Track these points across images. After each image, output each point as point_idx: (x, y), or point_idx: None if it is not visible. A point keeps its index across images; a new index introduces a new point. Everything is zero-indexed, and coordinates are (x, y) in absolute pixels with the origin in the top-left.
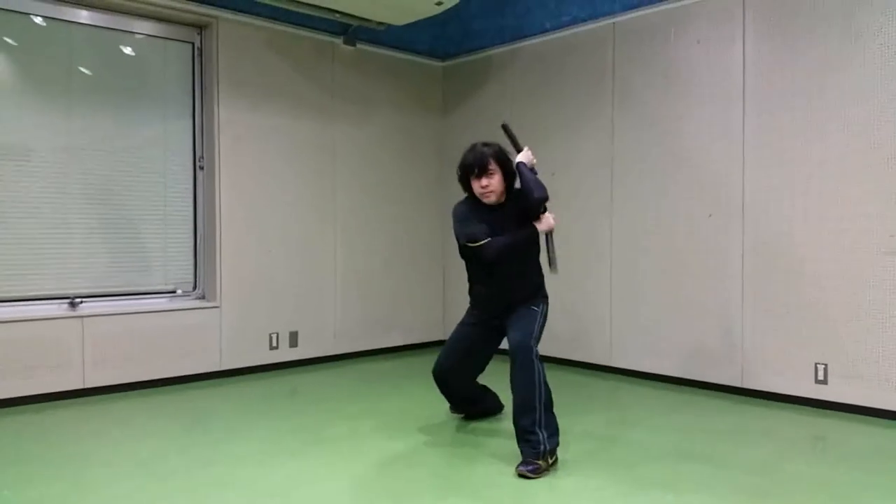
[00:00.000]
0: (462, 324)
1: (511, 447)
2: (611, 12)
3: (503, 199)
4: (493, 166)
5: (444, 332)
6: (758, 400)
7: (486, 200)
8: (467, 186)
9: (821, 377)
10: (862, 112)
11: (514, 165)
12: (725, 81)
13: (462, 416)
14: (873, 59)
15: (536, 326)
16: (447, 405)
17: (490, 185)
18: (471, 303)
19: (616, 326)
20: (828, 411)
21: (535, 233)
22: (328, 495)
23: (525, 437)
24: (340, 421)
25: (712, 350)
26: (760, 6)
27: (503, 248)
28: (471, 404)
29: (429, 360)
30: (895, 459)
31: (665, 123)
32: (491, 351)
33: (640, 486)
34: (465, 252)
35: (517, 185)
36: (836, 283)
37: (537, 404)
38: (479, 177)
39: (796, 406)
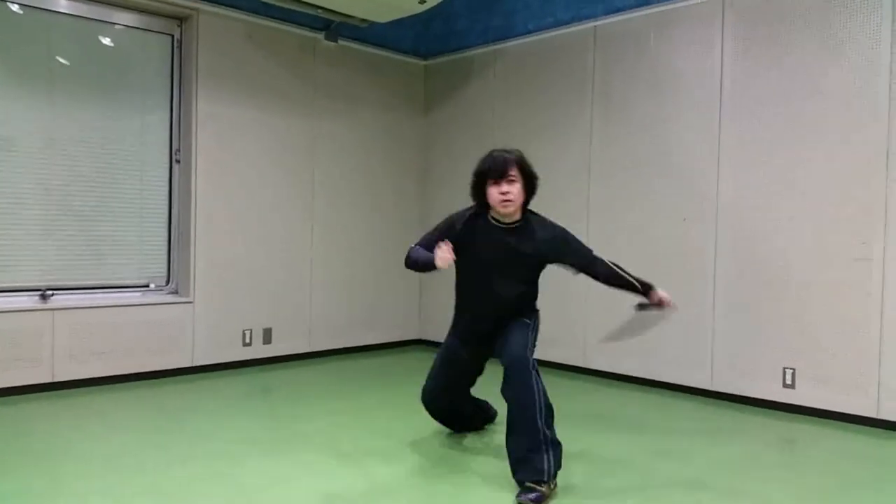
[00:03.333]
0: (448, 345)
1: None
2: (592, 15)
3: (518, 219)
4: (514, 172)
5: (420, 331)
6: (727, 403)
7: (503, 210)
8: (482, 195)
9: (788, 381)
10: (837, 119)
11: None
12: (704, 85)
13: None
14: (850, 66)
15: (530, 338)
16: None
17: (511, 194)
18: (455, 321)
19: (590, 328)
20: (796, 415)
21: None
22: (301, 493)
23: (525, 457)
24: (314, 419)
25: (683, 353)
26: (740, 11)
27: (413, 262)
28: (469, 420)
29: (404, 359)
30: (861, 462)
31: (643, 126)
32: (482, 365)
33: (614, 487)
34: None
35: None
36: (806, 289)
37: (538, 422)
38: (498, 181)
39: (764, 409)
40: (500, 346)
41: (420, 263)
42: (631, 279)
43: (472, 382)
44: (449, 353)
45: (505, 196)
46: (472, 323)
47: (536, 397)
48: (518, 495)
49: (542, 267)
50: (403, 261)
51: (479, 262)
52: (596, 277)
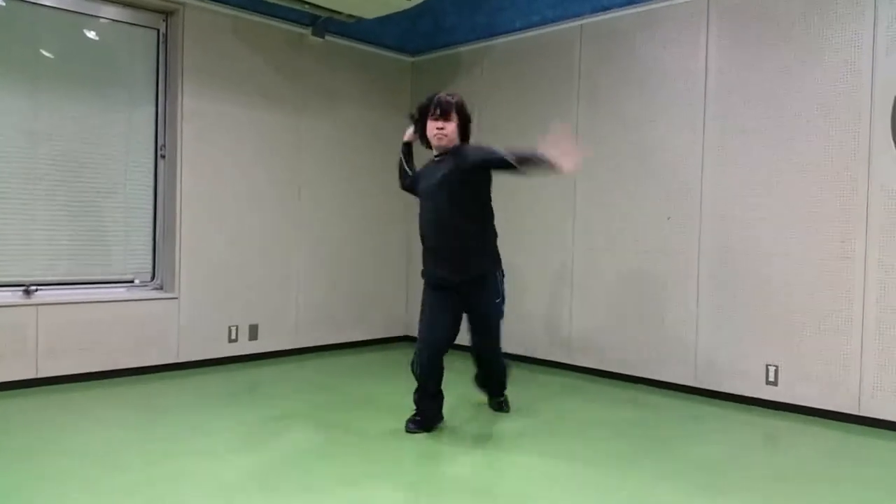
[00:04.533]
0: (426, 295)
1: (479, 436)
2: (580, 13)
3: (446, 153)
4: (451, 113)
5: (406, 327)
6: (711, 399)
7: (437, 143)
8: (423, 128)
9: (772, 378)
10: (820, 120)
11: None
12: (688, 84)
13: (426, 431)
14: (832, 68)
15: (500, 325)
16: (407, 401)
17: (445, 129)
18: (423, 267)
19: (576, 325)
20: (779, 412)
21: (464, 177)
22: (285, 490)
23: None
24: (299, 415)
25: (667, 349)
26: (725, 11)
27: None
28: (436, 399)
29: (390, 356)
30: (842, 459)
31: (628, 125)
32: (457, 322)
33: (595, 483)
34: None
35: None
36: (788, 287)
37: (505, 381)
38: (436, 118)
39: (748, 406)
40: (476, 332)
41: (399, 164)
42: (532, 156)
43: (453, 338)
44: (430, 299)
45: (441, 130)
46: (434, 265)
47: (503, 367)
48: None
49: (467, 183)
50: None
51: (424, 195)
52: (503, 166)
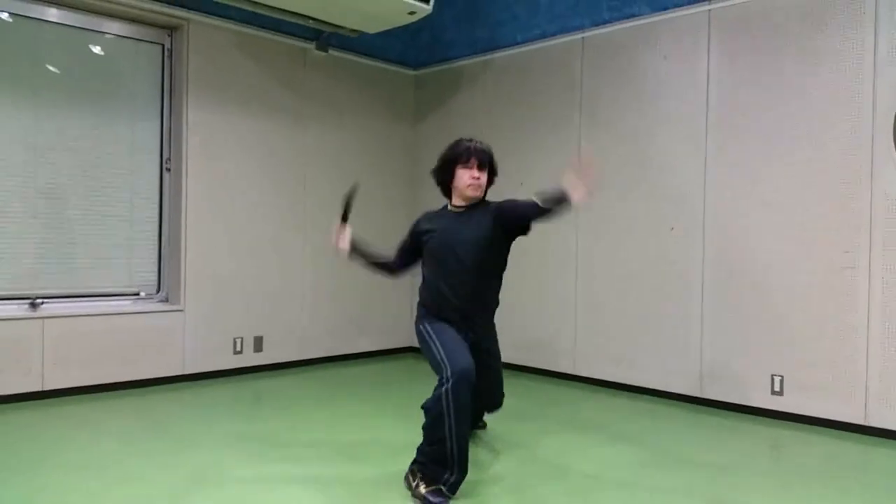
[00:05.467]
0: (439, 325)
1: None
2: (580, 27)
3: (470, 206)
4: (485, 161)
5: (411, 339)
6: (715, 409)
7: (471, 193)
8: (448, 178)
9: (777, 389)
10: (820, 131)
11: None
12: (690, 97)
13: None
14: (833, 78)
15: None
16: (415, 409)
17: (481, 179)
18: (422, 303)
19: (580, 336)
20: (784, 422)
21: (497, 238)
22: (290, 502)
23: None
24: (304, 427)
25: (672, 360)
26: (725, 25)
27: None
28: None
29: (396, 367)
30: (848, 470)
31: (630, 136)
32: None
33: (603, 492)
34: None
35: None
36: (793, 297)
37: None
38: (470, 166)
39: (753, 416)
40: (484, 389)
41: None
42: (561, 196)
43: None
44: (449, 331)
45: (477, 180)
46: (442, 312)
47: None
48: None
49: (494, 241)
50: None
51: (440, 246)
52: (540, 214)
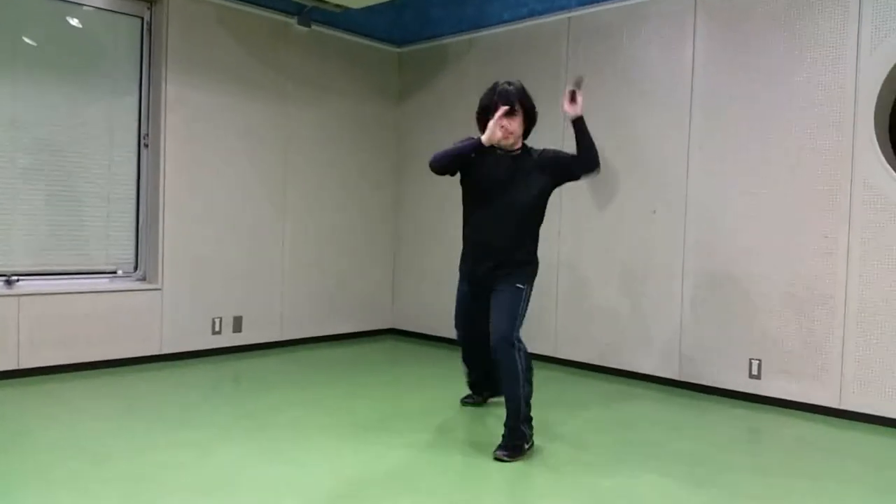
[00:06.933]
0: (460, 292)
1: (463, 442)
2: (567, 6)
3: (519, 148)
4: (517, 107)
5: (392, 320)
6: (694, 393)
7: (504, 142)
8: (484, 128)
9: (755, 372)
10: (803, 118)
11: (578, 120)
12: (675, 80)
13: (480, 400)
14: (815, 67)
15: (519, 313)
16: (395, 389)
17: (512, 125)
18: (461, 257)
19: (561, 318)
20: (762, 405)
21: (544, 191)
22: (268, 481)
23: (508, 425)
24: (283, 407)
25: (651, 343)
26: (711, 9)
27: (442, 154)
28: (487, 376)
29: (376, 348)
30: (823, 452)
31: (615, 119)
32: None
33: (584, 474)
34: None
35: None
36: (772, 281)
37: (520, 400)
38: (503, 116)
39: (731, 399)
40: (491, 316)
41: (455, 151)
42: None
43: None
44: (464, 300)
45: (509, 132)
46: (473, 261)
47: (519, 374)
48: (496, 450)
49: (543, 188)
50: (430, 165)
51: (488, 183)
52: (579, 162)
